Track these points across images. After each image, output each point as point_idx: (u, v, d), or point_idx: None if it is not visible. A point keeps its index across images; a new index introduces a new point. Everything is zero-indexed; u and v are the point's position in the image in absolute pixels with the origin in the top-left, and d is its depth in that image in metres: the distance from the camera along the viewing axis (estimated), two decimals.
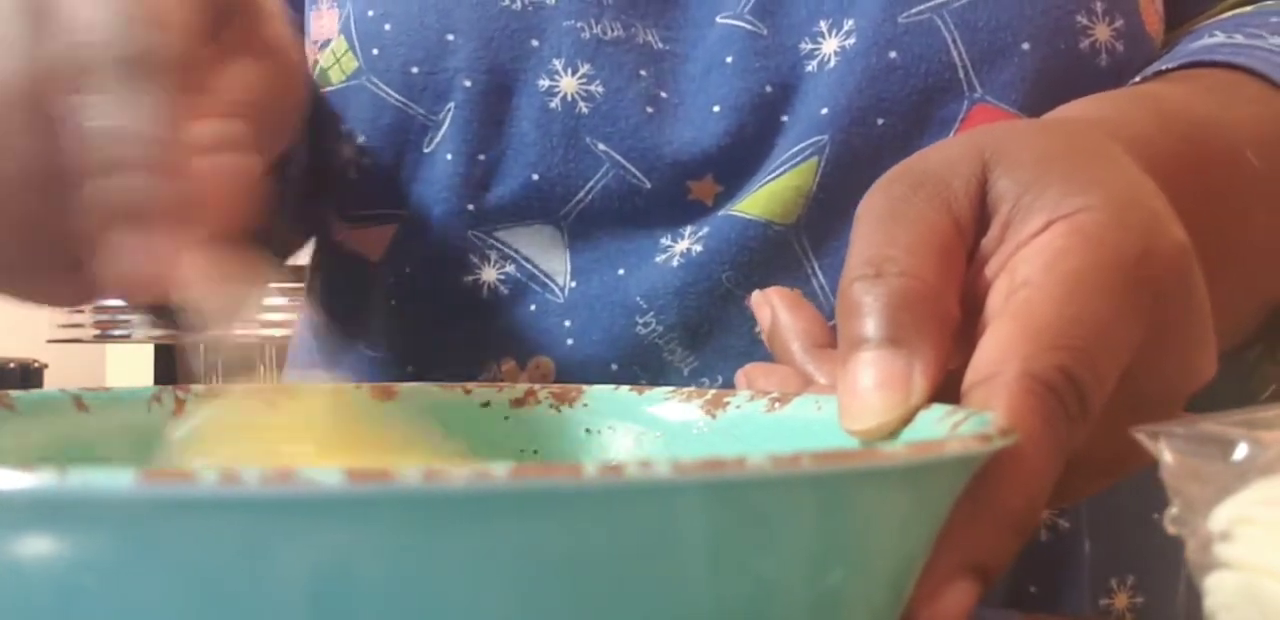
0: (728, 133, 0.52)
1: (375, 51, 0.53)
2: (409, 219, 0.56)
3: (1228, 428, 0.27)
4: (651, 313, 0.52)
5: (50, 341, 2.52)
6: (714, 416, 0.38)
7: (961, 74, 0.50)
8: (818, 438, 0.33)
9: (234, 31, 0.38)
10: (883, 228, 0.33)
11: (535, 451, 0.39)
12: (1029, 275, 0.31)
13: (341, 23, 0.55)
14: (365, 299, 0.57)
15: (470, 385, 0.40)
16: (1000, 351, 0.30)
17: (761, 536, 0.23)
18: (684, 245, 0.52)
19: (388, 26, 0.53)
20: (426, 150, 0.54)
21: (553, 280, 0.54)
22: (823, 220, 0.52)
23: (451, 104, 0.53)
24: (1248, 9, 0.56)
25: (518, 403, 0.40)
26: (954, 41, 0.50)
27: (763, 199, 0.51)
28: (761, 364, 0.40)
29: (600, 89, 0.52)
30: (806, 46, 0.52)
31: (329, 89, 0.56)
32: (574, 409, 0.39)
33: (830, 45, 0.51)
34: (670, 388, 0.39)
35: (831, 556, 0.24)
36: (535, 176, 0.53)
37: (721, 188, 0.53)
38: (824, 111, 0.51)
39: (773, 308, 0.40)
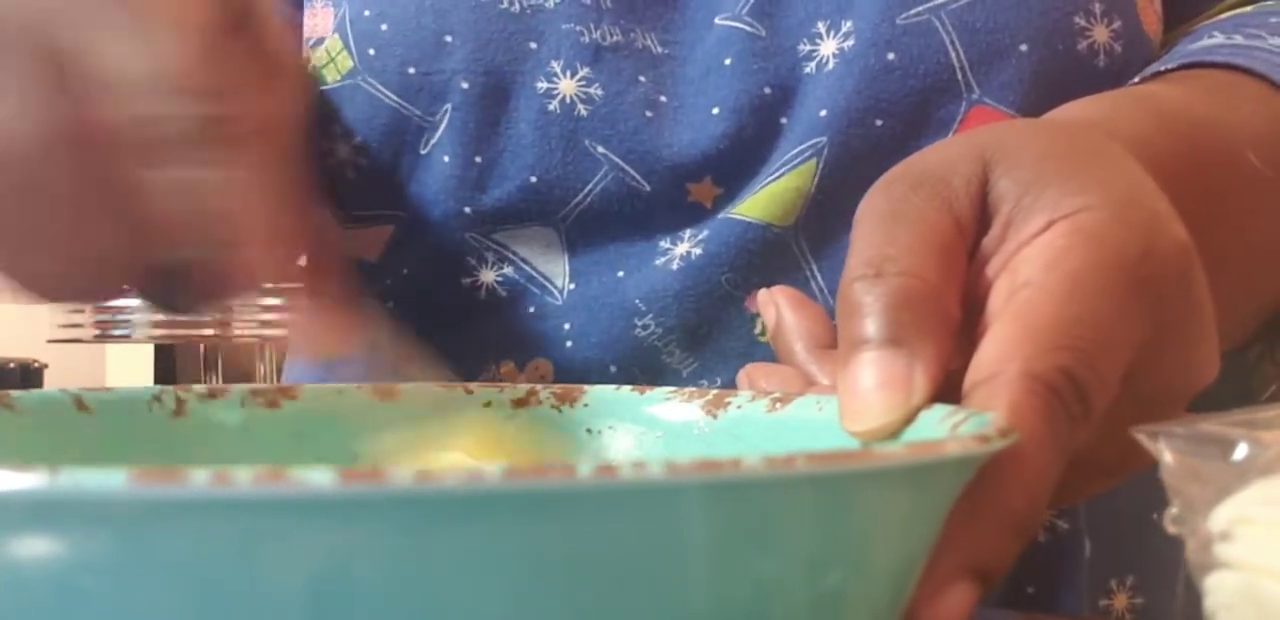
0: (727, 135, 0.52)
1: (371, 52, 0.53)
2: (406, 220, 0.55)
3: (1228, 428, 0.27)
4: (650, 315, 0.52)
5: (50, 341, 2.51)
6: (715, 417, 0.38)
7: (960, 75, 0.50)
8: (819, 438, 0.33)
9: (243, 42, 0.38)
10: (883, 227, 0.33)
11: (536, 452, 0.39)
12: (1030, 275, 0.31)
13: (336, 22, 0.55)
14: (368, 300, 0.57)
15: (472, 385, 0.40)
16: (1002, 351, 0.30)
17: (759, 538, 0.23)
18: (683, 248, 0.52)
19: (384, 27, 0.53)
20: (423, 151, 0.54)
21: (551, 282, 0.54)
22: (821, 222, 0.51)
23: (448, 105, 0.53)
24: (1247, 9, 0.56)
25: (519, 403, 0.40)
26: (952, 43, 0.50)
27: (762, 201, 0.51)
28: (763, 364, 0.40)
29: (599, 92, 0.52)
30: (805, 48, 0.52)
31: (324, 88, 0.55)
32: (575, 409, 0.39)
33: (828, 46, 0.51)
34: (671, 388, 0.39)
35: (831, 558, 0.24)
36: (533, 179, 0.53)
37: (721, 190, 0.52)
38: (823, 113, 0.51)
39: (778, 307, 0.40)
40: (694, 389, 0.39)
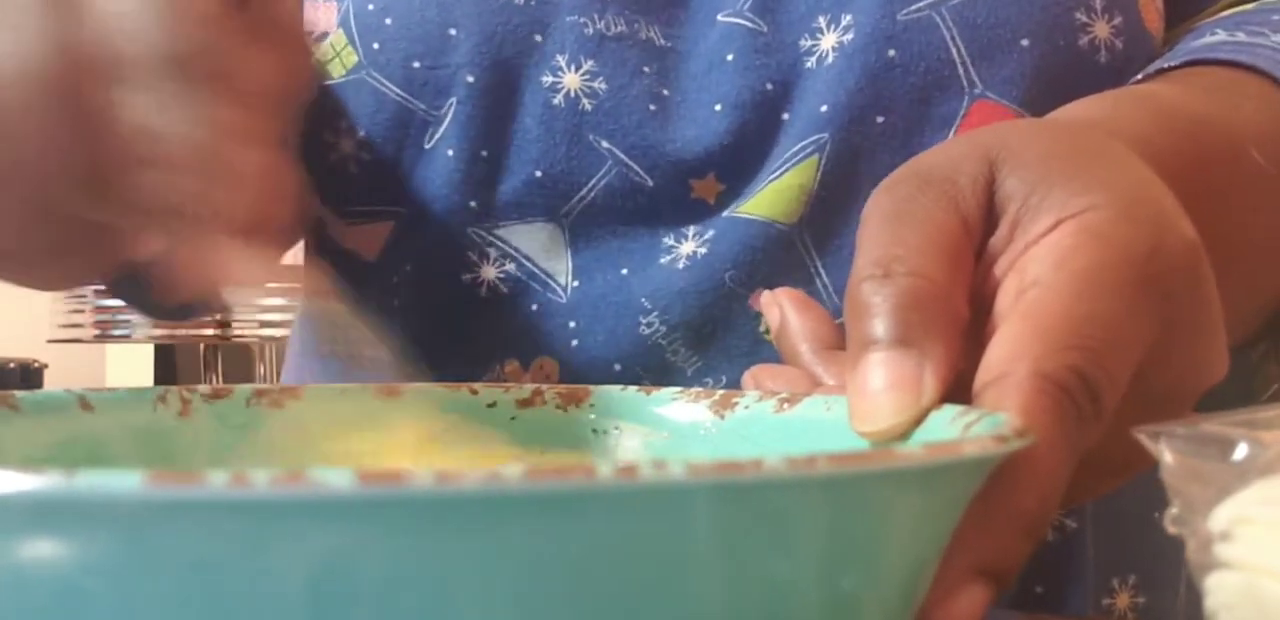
0: (729, 131, 0.52)
1: (376, 46, 0.53)
2: (407, 216, 0.55)
3: (1228, 428, 0.26)
4: (655, 313, 0.52)
5: (50, 341, 2.51)
6: (722, 417, 0.37)
7: (961, 71, 0.50)
8: (827, 439, 0.33)
9: (252, 12, 0.38)
10: (890, 228, 0.33)
11: (542, 452, 0.39)
12: (1039, 274, 0.31)
13: (340, 16, 0.54)
14: (367, 298, 0.57)
15: (476, 385, 0.40)
16: (1011, 351, 0.30)
17: (777, 538, 0.22)
18: (688, 246, 0.52)
19: (389, 21, 0.53)
20: (427, 146, 0.54)
21: (554, 280, 0.54)
22: (825, 219, 0.51)
23: (453, 99, 0.53)
24: (1249, 6, 0.56)
25: (524, 403, 0.39)
26: (953, 38, 0.50)
27: (766, 199, 0.51)
28: (769, 365, 0.40)
29: (603, 86, 0.52)
30: (806, 43, 0.52)
31: (328, 83, 0.55)
32: (581, 409, 0.39)
33: (829, 41, 0.51)
34: (678, 388, 0.39)
35: (847, 559, 0.24)
36: (538, 173, 0.53)
37: (724, 186, 0.52)
38: (824, 109, 0.51)
39: (781, 308, 0.40)
40: (701, 389, 0.38)
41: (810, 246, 0.52)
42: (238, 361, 2.64)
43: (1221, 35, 0.52)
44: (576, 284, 0.54)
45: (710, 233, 0.52)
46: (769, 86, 0.52)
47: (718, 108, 0.52)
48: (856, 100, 0.51)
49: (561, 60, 0.52)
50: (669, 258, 0.52)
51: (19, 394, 0.35)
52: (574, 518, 0.21)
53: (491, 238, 0.54)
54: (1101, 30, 0.51)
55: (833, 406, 0.35)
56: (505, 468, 0.20)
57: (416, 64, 0.53)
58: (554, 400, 0.39)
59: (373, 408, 0.39)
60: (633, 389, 0.39)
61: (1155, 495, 0.47)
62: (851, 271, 0.33)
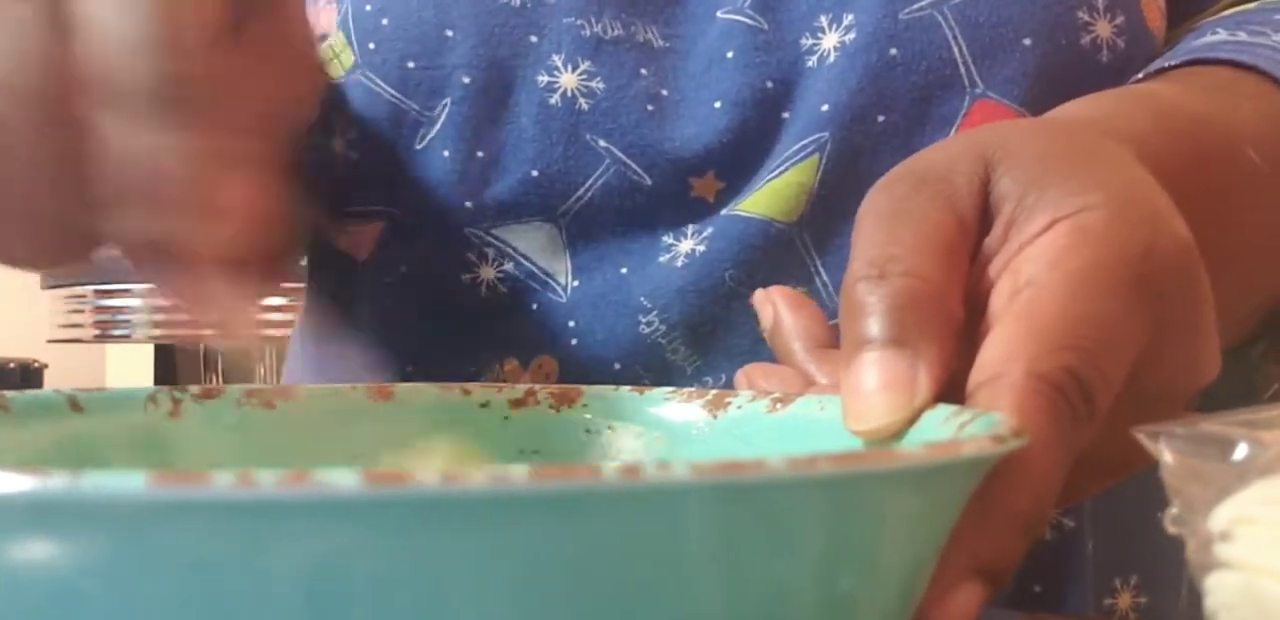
0: (729, 129, 0.52)
1: (372, 46, 0.53)
2: (399, 217, 0.55)
3: (1228, 428, 0.26)
4: (655, 312, 0.52)
5: (50, 341, 2.52)
6: (715, 417, 0.37)
7: (962, 70, 0.50)
8: (820, 438, 0.33)
9: (258, 25, 0.38)
10: (886, 227, 0.33)
11: (536, 452, 0.39)
12: (1033, 275, 0.31)
13: (339, 18, 0.54)
14: (360, 298, 0.57)
15: (469, 386, 0.40)
16: (1005, 351, 0.30)
17: (776, 538, 0.22)
18: (687, 245, 0.52)
19: (385, 21, 0.53)
20: (418, 146, 0.54)
21: (553, 279, 0.54)
22: (825, 218, 0.51)
23: (447, 100, 0.53)
24: (1250, 5, 0.55)
25: (517, 403, 0.39)
26: (954, 37, 0.50)
27: (765, 197, 0.51)
28: (762, 364, 0.40)
29: (601, 85, 0.52)
30: (807, 42, 0.52)
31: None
32: (574, 410, 0.39)
33: (830, 40, 0.51)
34: (671, 388, 0.39)
35: (845, 558, 0.24)
36: (535, 173, 0.53)
37: (723, 184, 0.52)
38: (824, 108, 0.51)
39: (775, 307, 0.40)
40: (693, 389, 0.38)
41: (810, 246, 0.52)
42: (238, 361, 2.64)
43: (1223, 34, 0.52)
44: (576, 283, 0.53)
45: (709, 231, 0.52)
46: (769, 85, 0.52)
47: (717, 105, 0.52)
48: (858, 99, 0.51)
49: (558, 60, 0.52)
50: (668, 256, 0.52)
51: (9, 394, 0.34)
52: (577, 518, 0.21)
53: (489, 238, 0.54)
54: (1103, 29, 0.51)
55: (826, 406, 0.35)
56: (511, 468, 0.20)
57: (411, 64, 0.53)
58: (547, 400, 0.39)
59: (365, 408, 0.39)
60: (626, 389, 0.39)
61: (1155, 495, 0.47)
62: (847, 271, 0.33)
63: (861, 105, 0.51)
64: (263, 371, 2.61)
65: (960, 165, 0.34)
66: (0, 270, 0.41)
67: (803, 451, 0.22)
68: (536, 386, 0.40)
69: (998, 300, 0.32)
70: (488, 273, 0.54)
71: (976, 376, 0.30)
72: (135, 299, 2.39)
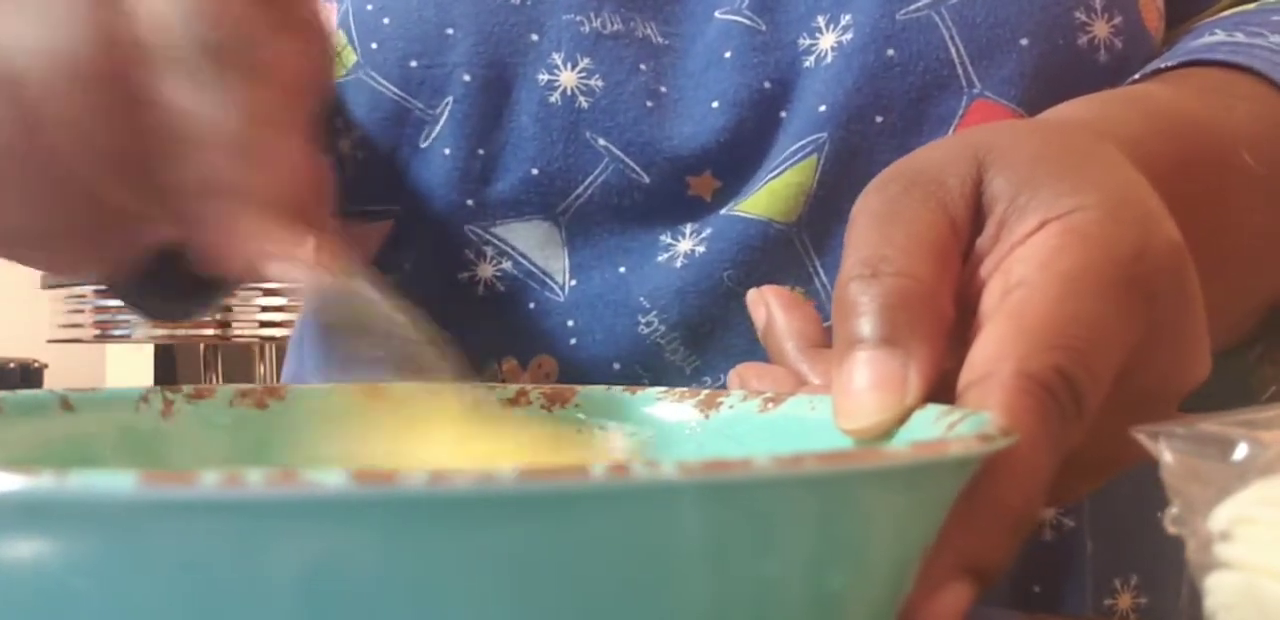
0: (727, 128, 0.52)
1: (374, 45, 0.53)
2: (405, 214, 0.55)
3: (1228, 428, 0.26)
4: (654, 312, 0.52)
5: (50, 341, 2.52)
6: (707, 417, 0.37)
7: (960, 70, 0.50)
8: (812, 438, 0.33)
9: (278, 6, 0.38)
10: (878, 227, 0.33)
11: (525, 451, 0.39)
12: (1024, 275, 0.31)
13: (340, 17, 0.55)
14: None
15: (462, 385, 0.40)
16: (996, 351, 0.30)
17: (764, 536, 0.22)
18: (686, 245, 0.52)
19: (386, 20, 0.53)
20: (423, 145, 0.54)
21: (551, 278, 0.54)
22: (823, 218, 0.51)
23: (450, 98, 0.53)
24: (1249, 7, 0.55)
25: (509, 403, 0.39)
26: (952, 38, 0.50)
27: (764, 198, 0.51)
28: (754, 364, 0.40)
29: (600, 83, 0.52)
30: (805, 42, 0.52)
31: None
32: (566, 409, 0.39)
33: (828, 40, 0.51)
34: (663, 388, 0.39)
35: (833, 557, 0.24)
36: (535, 171, 0.53)
37: (720, 183, 0.52)
38: (822, 108, 0.51)
39: (768, 307, 0.40)
40: (685, 389, 0.39)
41: (809, 246, 0.52)
42: (238, 361, 2.64)
43: (1220, 35, 0.52)
44: (574, 282, 0.54)
45: (708, 231, 0.52)
46: (767, 85, 0.52)
47: (715, 105, 0.52)
48: (855, 100, 0.51)
49: (558, 58, 0.52)
50: (667, 256, 0.52)
51: (2, 394, 0.34)
52: (565, 517, 0.21)
53: (488, 236, 0.54)
54: (1101, 30, 0.51)
55: (817, 406, 0.35)
56: (498, 468, 0.20)
57: (413, 63, 0.53)
58: (539, 400, 0.39)
59: (357, 407, 0.38)
60: (618, 389, 0.39)
61: (1155, 495, 0.47)
62: (840, 271, 0.33)
63: (859, 106, 0.51)
64: (263, 371, 2.62)
65: (953, 166, 0.34)
66: (0, 270, 0.41)
67: (793, 451, 0.22)
68: (529, 386, 0.40)
69: (989, 300, 0.32)
70: (486, 271, 0.54)
71: (967, 376, 0.30)
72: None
